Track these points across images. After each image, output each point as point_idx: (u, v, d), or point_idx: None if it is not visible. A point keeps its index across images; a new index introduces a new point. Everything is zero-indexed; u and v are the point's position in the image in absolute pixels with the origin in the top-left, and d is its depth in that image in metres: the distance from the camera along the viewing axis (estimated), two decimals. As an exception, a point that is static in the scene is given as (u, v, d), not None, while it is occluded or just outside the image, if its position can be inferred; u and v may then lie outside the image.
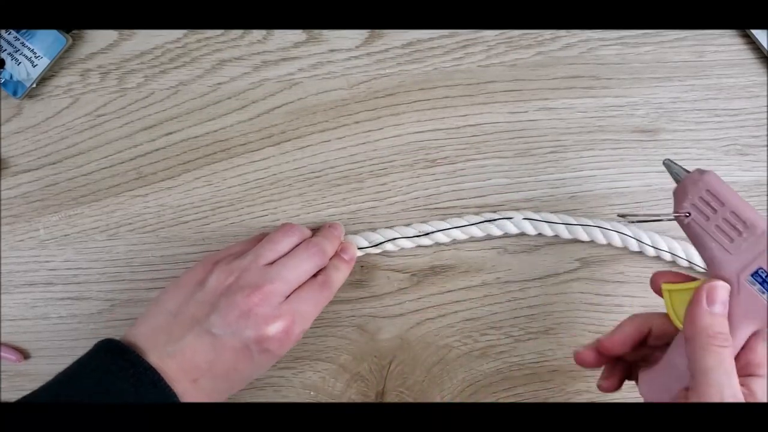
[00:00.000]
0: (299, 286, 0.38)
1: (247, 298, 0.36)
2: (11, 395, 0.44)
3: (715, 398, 0.30)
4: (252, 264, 0.37)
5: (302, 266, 0.38)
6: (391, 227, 0.43)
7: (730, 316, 0.31)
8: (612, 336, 0.36)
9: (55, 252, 0.44)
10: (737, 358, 0.32)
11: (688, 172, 0.33)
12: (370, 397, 0.44)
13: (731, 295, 0.31)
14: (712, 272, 0.32)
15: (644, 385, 0.35)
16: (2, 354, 0.44)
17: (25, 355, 0.44)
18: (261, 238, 0.40)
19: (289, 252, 0.39)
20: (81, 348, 0.44)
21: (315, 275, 0.39)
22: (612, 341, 0.36)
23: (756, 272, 0.31)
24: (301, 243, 0.40)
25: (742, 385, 0.32)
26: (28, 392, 0.44)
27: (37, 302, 0.44)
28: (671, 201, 0.43)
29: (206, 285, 0.37)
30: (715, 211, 0.32)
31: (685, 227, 0.33)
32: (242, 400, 0.44)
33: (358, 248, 0.42)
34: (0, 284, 0.44)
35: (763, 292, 0.31)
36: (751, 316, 0.31)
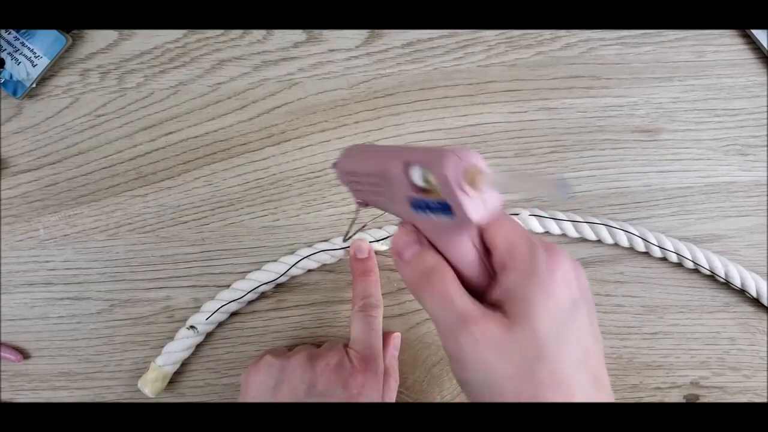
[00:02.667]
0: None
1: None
2: (11, 395, 0.44)
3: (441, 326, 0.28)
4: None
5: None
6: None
7: (439, 245, 0.30)
8: None
9: (54, 252, 0.44)
10: (494, 263, 0.29)
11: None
12: (370, 397, 0.44)
13: (424, 229, 0.30)
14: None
15: None
16: (2, 354, 0.44)
17: (24, 355, 0.44)
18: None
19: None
20: (80, 348, 0.44)
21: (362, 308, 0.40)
22: None
23: (411, 203, 0.30)
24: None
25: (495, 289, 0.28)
26: (27, 392, 0.44)
27: (36, 302, 0.44)
28: (671, 202, 0.43)
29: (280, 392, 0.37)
30: (359, 182, 0.32)
31: (372, 204, 0.33)
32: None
33: (371, 241, 0.42)
34: (0, 284, 0.44)
35: (426, 212, 0.29)
36: (448, 231, 0.29)
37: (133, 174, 0.44)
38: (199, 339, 0.43)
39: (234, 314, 0.43)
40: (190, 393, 0.44)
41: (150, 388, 0.42)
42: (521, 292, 0.26)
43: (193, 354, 0.43)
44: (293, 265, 0.42)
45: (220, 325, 0.43)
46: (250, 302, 0.43)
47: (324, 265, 0.43)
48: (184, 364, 0.43)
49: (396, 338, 0.43)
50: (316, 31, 0.43)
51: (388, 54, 0.43)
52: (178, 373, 0.43)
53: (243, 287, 0.42)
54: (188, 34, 0.43)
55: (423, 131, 0.43)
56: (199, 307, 0.43)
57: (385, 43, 0.43)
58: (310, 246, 0.43)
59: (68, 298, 0.44)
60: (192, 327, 0.42)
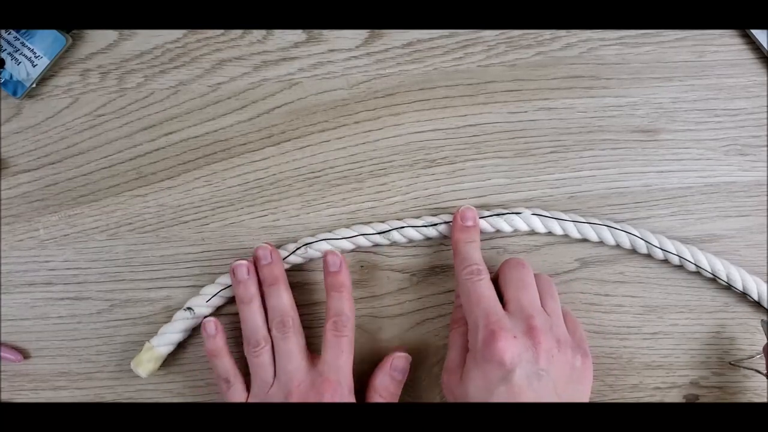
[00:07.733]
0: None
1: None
2: (11, 395, 0.44)
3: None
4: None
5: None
6: (400, 219, 0.43)
7: None
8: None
9: (54, 252, 0.44)
10: None
11: None
12: (370, 397, 0.44)
13: None
14: None
15: None
16: (2, 354, 0.44)
17: (25, 355, 0.44)
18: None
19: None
20: (81, 348, 0.44)
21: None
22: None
23: None
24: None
25: None
26: (28, 392, 0.44)
27: (36, 302, 0.44)
28: (671, 202, 0.43)
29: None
30: None
31: None
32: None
33: (367, 235, 0.42)
34: (0, 284, 0.44)
35: None
36: None
37: (133, 174, 0.44)
38: (195, 322, 0.42)
39: (233, 314, 0.43)
40: (190, 393, 0.44)
41: (143, 368, 0.41)
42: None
43: (193, 352, 0.43)
44: (293, 252, 0.42)
45: (217, 311, 0.43)
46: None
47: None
48: (181, 359, 0.43)
49: (399, 359, 0.42)
50: (316, 31, 0.43)
51: (388, 54, 0.43)
52: (177, 373, 0.43)
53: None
54: (188, 34, 0.43)
55: (423, 131, 0.43)
56: (199, 307, 0.43)
57: (385, 43, 0.43)
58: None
59: (68, 298, 0.44)
60: (189, 308, 0.42)
